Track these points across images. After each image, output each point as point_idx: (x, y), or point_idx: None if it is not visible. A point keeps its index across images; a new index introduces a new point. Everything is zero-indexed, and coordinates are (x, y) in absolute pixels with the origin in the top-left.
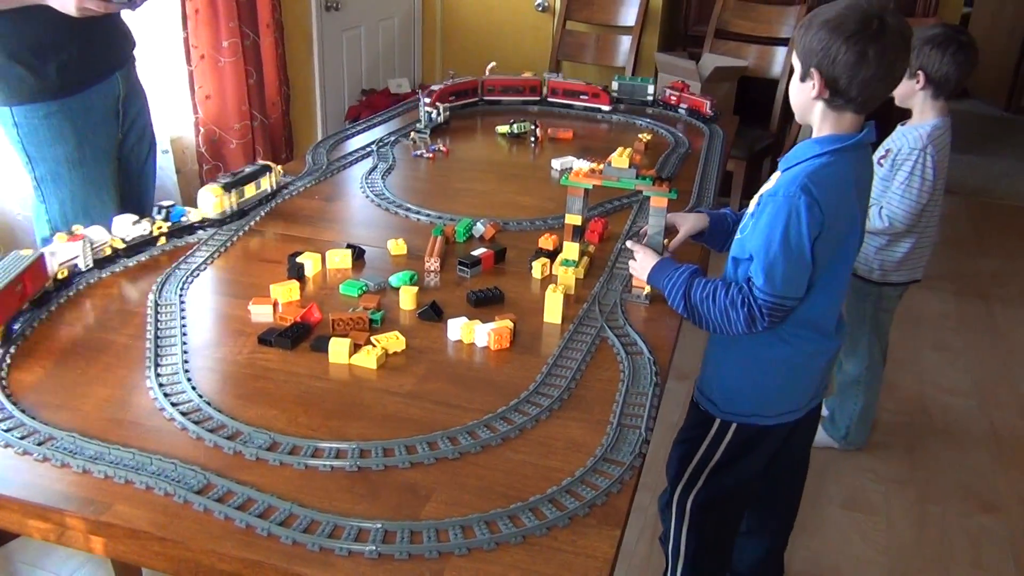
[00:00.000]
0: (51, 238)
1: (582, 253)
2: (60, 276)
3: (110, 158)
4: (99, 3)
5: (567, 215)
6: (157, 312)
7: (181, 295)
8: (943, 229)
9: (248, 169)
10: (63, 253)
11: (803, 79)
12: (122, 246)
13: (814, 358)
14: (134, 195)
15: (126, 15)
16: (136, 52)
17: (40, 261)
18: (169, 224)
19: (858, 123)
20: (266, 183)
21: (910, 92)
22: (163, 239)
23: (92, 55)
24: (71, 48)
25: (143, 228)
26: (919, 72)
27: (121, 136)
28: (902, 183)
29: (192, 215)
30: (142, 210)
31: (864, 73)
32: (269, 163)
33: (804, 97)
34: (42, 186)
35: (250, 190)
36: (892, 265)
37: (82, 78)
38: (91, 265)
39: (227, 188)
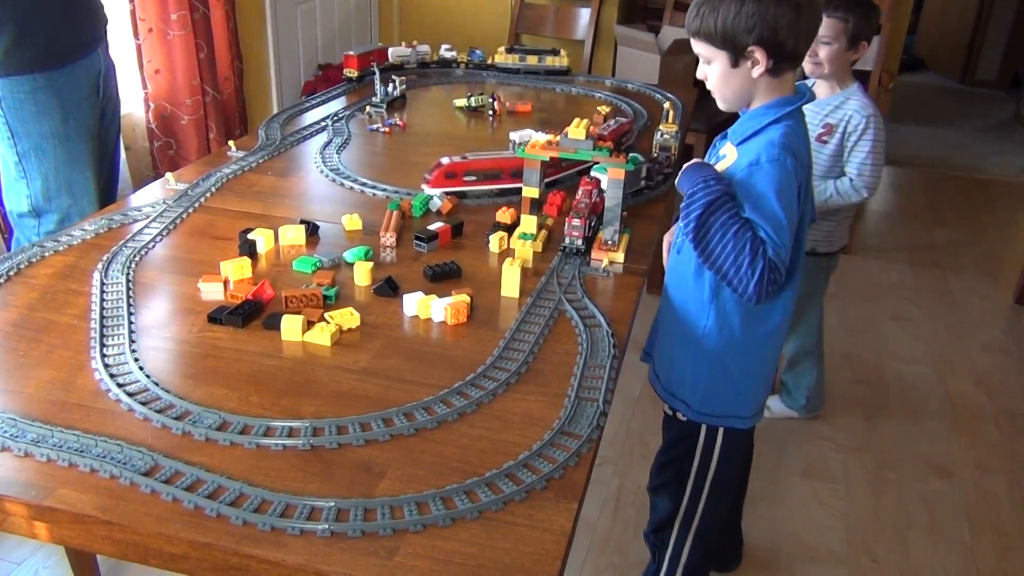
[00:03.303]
0: (29, 215)
1: (540, 226)
2: (395, 63)
3: (92, 134)
4: None
5: (524, 188)
6: (103, 291)
7: (128, 274)
8: (898, 200)
9: (536, 48)
10: (400, 52)
11: (735, 64)
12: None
13: (779, 331)
14: (105, 172)
15: None
16: (108, 29)
17: (385, 49)
18: (468, 59)
19: (793, 81)
20: (551, 61)
21: (846, 60)
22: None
23: (77, 28)
24: (58, 20)
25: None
26: (863, 42)
27: (100, 113)
28: (869, 151)
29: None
30: (112, 187)
31: (802, 25)
32: (559, 48)
33: (742, 82)
34: (24, 161)
35: (532, 60)
36: (843, 232)
37: (68, 51)
38: (414, 64)
39: (509, 51)
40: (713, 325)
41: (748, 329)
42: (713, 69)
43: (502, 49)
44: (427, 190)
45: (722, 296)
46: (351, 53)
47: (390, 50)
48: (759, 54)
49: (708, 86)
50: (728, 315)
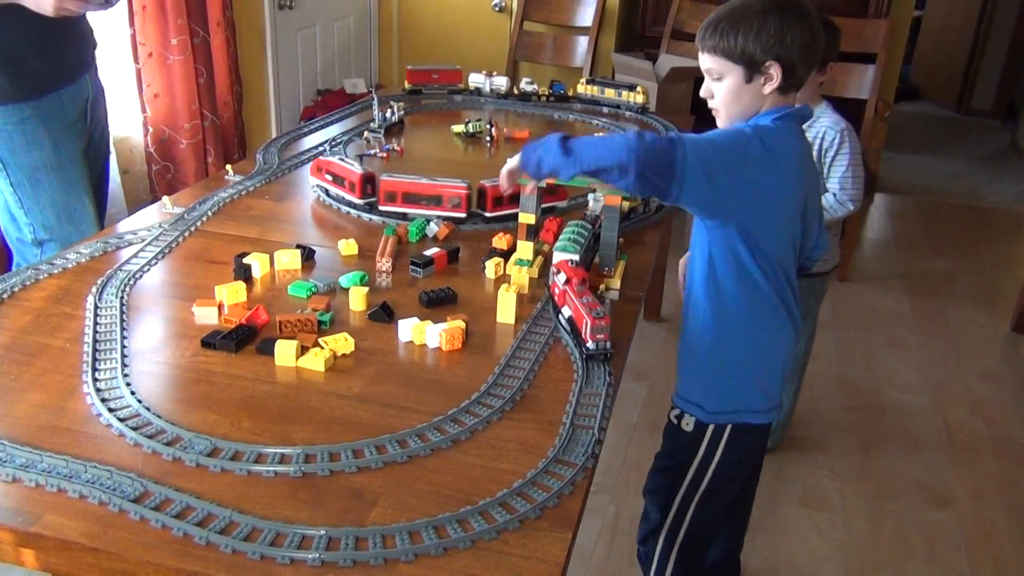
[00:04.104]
0: (31, 243)
1: (536, 252)
2: (466, 87)
3: (83, 161)
4: (77, 3)
5: (521, 214)
6: (96, 315)
7: (122, 298)
8: (895, 228)
9: (616, 82)
10: (476, 80)
11: (749, 80)
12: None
13: (778, 340)
14: (96, 190)
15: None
16: (97, 53)
17: (459, 71)
18: (551, 92)
19: (794, 100)
20: (628, 96)
21: (815, 82)
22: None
23: (63, 56)
24: (43, 49)
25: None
26: (830, 64)
27: (87, 139)
28: (848, 164)
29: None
30: (100, 214)
31: (813, 47)
32: (639, 83)
33: (752, 97)
34: (19, 191)
35: (610, 93)
36: (835, 250)
37: (54, 79)
38: (491, 94)
39: (589, 81)
40: (710, 319)
41: (741, 318)
42: (722, 85)
43: (583, 80)
44: (311, 178)
45: (719, 291)
46: (411, 67)
47: (470, 76)
48: (775, 70)
49: (713, 104)
50: (725, 306)
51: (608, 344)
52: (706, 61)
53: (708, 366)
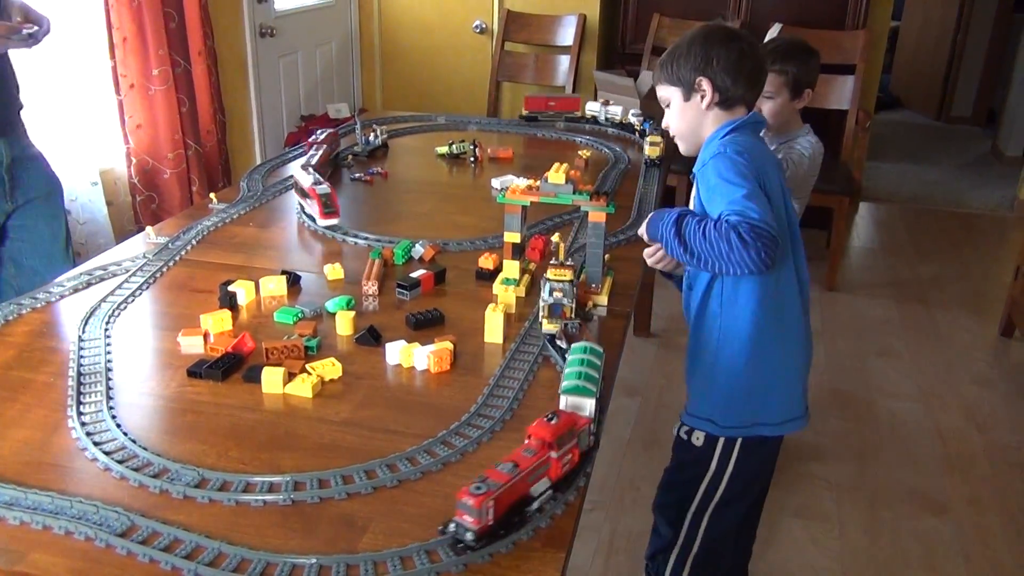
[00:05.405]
0: None
1: (523, 271)
2: (583, 114)
3: None
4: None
5: (506, 233)
6: (81, 348)
7: (107, 329)
8: (881, 236)
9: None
10: (592, 108)
11: (688, 98)
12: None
13: (793, 349)
14: (44, 256)
15: (19, 54)
16: (24, 115)
17: (577, 99)
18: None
19: (744, 114)
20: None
21: (792, 110)
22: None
23: None
24: None
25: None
26: (808, 90)
27: (12, 205)
28: (801, 155)
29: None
30: (60, 267)
31: (743, 67)
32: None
33: (694, 114)
34: None
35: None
36: None
37: None
38: (604, 122)
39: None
40: (721, 335)
41: (757, 331)
42: (672, 110)
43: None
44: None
45: (731, 308)
46: (528, 95)
47: (588, 104)
48: (706, 85)
49: (671, 132)
50: (736, 320)
51: (471, 534)
52: (658, 92)
53: (722, 382)
